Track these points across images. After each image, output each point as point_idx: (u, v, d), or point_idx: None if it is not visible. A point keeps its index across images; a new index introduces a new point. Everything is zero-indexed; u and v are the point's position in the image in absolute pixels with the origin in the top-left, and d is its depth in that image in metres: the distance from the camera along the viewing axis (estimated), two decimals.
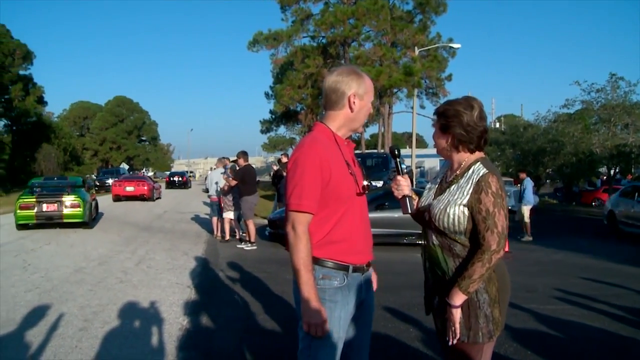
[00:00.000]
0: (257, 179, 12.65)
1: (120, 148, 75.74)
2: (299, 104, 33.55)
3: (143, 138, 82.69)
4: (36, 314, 5.50)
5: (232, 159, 12.31)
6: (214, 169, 12.81)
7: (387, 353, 4.43)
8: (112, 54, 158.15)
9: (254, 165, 11.95)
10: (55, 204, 13.07)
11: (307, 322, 2.15)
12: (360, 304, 2.36)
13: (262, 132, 43.95)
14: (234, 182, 10.73)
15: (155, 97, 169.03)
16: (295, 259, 2.15)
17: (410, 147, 30.17)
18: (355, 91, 2.31)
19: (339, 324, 2.23)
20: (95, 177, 45.16)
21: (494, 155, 27.45)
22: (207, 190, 13.02)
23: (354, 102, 2.32)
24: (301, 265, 2.14)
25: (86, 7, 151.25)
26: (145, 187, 26.23)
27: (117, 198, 25.89)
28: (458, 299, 2.22)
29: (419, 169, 34.00)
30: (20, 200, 13.28)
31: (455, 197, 2.28)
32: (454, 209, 2.26)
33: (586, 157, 23.33)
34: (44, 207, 13.05)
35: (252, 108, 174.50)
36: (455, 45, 33.49)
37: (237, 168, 11.04)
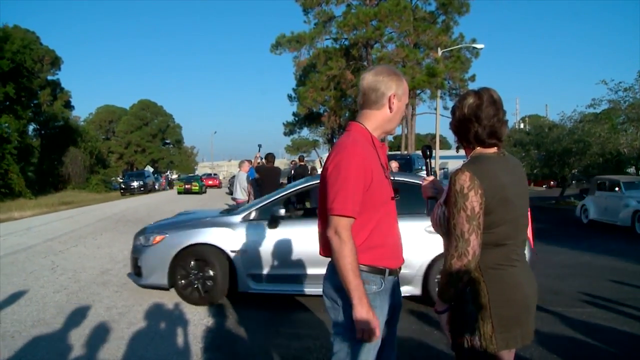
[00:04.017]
0: (281, 181, 12.69)
1: (145, 151, 76.72)
2: (322, 106, 33.66)
3: (167, 141, 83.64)
4: (64, 315, 5.61)
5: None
6: (240, 171, 12.88)
7: (412, 355, 4.41)
8: (137, 58, 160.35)
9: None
10: (189, 185, 37.78)
11: (360, 328, 2.07)
12: (392, 306, 2.35)
13: (285, 134, 44.36)
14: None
15: (179, 100, 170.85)
16: (342, 265, 2.08)
17: (434, 148, 30.00)
18: (395, 92, 2.28)
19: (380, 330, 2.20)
20: (120, 180, 45.76)
21: (518, 156, 27.05)
22: (231, 193, 13.10)
23: (393, 103, 2.28)
24: (349, 270, 2.06)
25: (112, 12, 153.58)
26: (217, 182, 55.83)
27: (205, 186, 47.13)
28: (438, 304, 2.17)
29: (442, 171, 33.75)
30: (179, 182, 41.76)
31: (442, 195, 2.21)
32: (438, 209, 2.19)
33: (613, 157, 22.87)
34: (186, 186, 37.76)
35: (276, 110, 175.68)
36: (478, 46, 33.15)
37: (261, 167, 11.18)
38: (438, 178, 2.55)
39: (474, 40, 34.28)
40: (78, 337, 4.86)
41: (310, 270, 5.79)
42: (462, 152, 2.32)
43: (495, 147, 2.17)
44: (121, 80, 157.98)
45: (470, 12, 33.22)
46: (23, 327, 5.14)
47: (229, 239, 5.98)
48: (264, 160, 11.25)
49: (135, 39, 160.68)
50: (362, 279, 2.15)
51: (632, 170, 24.38)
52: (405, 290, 5.62)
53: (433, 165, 2.75)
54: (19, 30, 40.10)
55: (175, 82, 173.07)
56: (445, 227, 2.11)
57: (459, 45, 32.69)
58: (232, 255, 5.93)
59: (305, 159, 17.22)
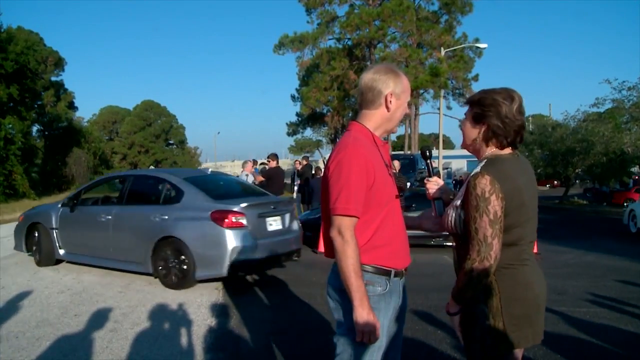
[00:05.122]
0: (285, 181, 12.78)
1: (148, 152, 76.69)
2: (325, 106, 33.63)
3: (170, 142, 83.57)
4: (68, 315, 5.62)
5: (260, 160, 12.44)
6: (243, 172, 12.92)
7: (416, 355, 4.41)
8: (140, 58, 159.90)
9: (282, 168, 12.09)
10: None
11: (360, 330, 2.05)
12: (398, 308, 2.32)
13: (288, 134, 44.27)
14: (260, 178, 10.96)
15: (183, 101, 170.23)
16: (345, 266, 2.05)
17: (437, 148, 29.98)
18: (392, 90, 2.24)
19: (382, 332, 2.17)
20: None
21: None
22: None
23: (390, 102, 2.24)
24: (352, 271, 2.04)
25: (116, 13, 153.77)
26: None
27: None
28: (451, 305, 2.16)
29: (445, 170, 33.75)
30: None
31: (457, 197, 2.19)
32: (453, 210, 2.16)
33: (617, 156, 22.83)
34: None
35: (279, 111, 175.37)
36: (481, 45, 33.13)
37: (267, 169, 11.21)
38: (441, 178, 2.54)
39: (477, 40, 34.26)
40: (82, 338, 4.87)
41: (97, 244, 7.62)
42: (465, 152, 2.29)
43: (511, 148, 2.18)
44: (125, 81, 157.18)
45: (473, 12, 33.27)
46: (27, 328, 5.15)
47: (50, 219, 8.13)
48: (268, 160, 11.31)
49: (138, 39, 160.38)
50: (366, 280, 2.13)
51: (636, 169, 24.34)
52: (138, 269, 7.21)
53: (435, 166, 2.75)
54: (22, 31, 40.16)
55: (179, 83, 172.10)
56: (462, 230, 2.10)
57: (462, 45, 32.68)
58: (50, 231, 8.07)
59: (309, 159, 17.25)
